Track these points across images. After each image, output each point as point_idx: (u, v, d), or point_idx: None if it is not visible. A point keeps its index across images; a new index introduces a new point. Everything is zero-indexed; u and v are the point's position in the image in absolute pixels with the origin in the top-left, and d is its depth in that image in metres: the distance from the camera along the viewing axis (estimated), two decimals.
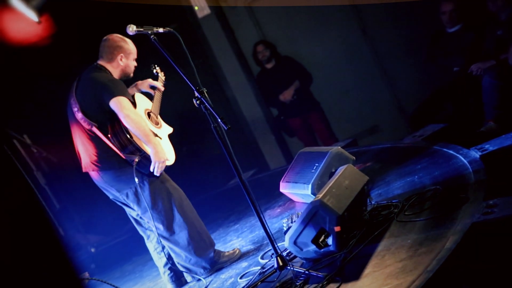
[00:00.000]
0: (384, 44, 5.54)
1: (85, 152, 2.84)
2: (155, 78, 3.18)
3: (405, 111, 5.58)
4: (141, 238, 3.07)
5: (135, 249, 4.06)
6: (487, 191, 2.38)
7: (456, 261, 1.99)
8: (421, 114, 4.75)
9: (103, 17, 4.47)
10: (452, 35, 4.47)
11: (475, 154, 2.88)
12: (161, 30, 2.67)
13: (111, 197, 2.95)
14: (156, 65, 3.21)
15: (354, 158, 3.13)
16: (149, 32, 2.65)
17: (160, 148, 2.76)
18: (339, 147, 3.14)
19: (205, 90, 2.49)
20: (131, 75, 2.98)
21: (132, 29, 2.66)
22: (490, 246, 2.10)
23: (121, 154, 2.75)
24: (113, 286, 2.35)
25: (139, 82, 3.09)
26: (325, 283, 2.20)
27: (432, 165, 3.04)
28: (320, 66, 5.63)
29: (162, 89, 3.11)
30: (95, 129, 2.77)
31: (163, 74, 3.21)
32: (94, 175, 2.86)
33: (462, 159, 2.92)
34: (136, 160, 2.73)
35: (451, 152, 3.11)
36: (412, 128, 4.68)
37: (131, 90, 3.04)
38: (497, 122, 3.99)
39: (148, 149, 2.75)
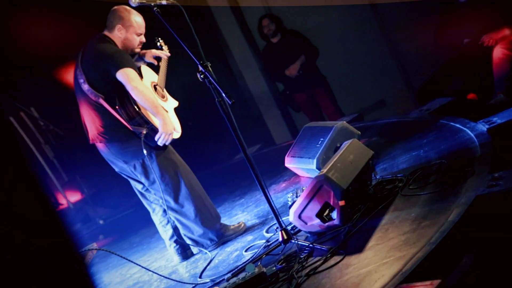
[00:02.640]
0: (392, 16, 5.43)
1: (92, 124, 2.83)
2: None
3: (412, 85, 5.52)
4: (148, 211, 3.11)
5: (142, 222, 4.13)
6: (493, 164, 2.37)
7: (459, 233, 2.00)
8: (429, 87, 4.68)
9: None
10: (464, 4, 4.35)
11: (482, 127, 2.85)
12: (164, 2, 2.63)
13: (117, 169, 2.96)
14: (160, 38, 3.16)
15: (359, 132, 3.12)
16: (152, 4, 2.61)
17: (169, 120, 2.76)
18: (344, 122, 3.13)
19: (209, 64, 2.47)
20: (136, 50, 2.90)
21: (134, 0, 2.62)
22: (495, 218, 2.10)
23: (128, 126, 2.75)
24: (120, 256, 2.40)
25: (142, 51, 3.03)
26: (328, 256, 2.22)
27: (438, 139, 3.03)
28: (327, 39, 5.55)
29: (166, 56, 3.06)
30: (102, 101, 2.75)
31: (167, 48, 3.16)
32: (101, 146, 2.86)
33: (469, 132, 2.90)
34: (144, 132, 2.73)
35: (458, 125, 3.08)
36: (419, 102, 4.63)
37: (136, 62, 3.01)
38: (507, 95, 3.93)
39: (156, 121, 2.74)
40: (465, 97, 4.33)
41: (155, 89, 2.92)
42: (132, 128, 2.74)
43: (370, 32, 5.54)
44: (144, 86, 2.72)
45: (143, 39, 2.90)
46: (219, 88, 2.39)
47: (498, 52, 4.02)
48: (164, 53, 3.05)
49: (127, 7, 2.82)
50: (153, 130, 2.75)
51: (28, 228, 0.83)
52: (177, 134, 2.87)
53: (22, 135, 5.13)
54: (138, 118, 2.73)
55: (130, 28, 2.83)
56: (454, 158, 2.68)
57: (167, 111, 2.87)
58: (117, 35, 2.83)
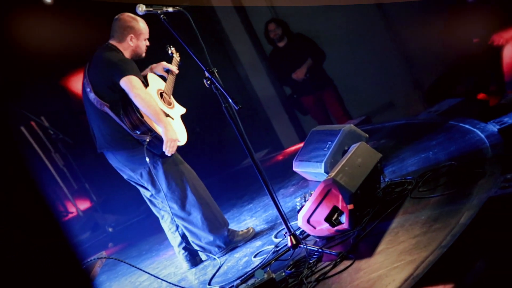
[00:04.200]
0: (399, 17, 5.39)
1: (99, 132, 2.86)
2: (170, 58, 3.14)
3: (421, 87, 5.47)
4: (157, 218, 3.11)
5: (151, 229, 4.13)
6: (505, 165, 2.33)
7: (471, 235, 1.97)
8: (437, 89, 4.65)
9: None
10: (472, 4, 4.32)
11: (493, 128, 2.82)
12: (170, 9, 2.64)
13: (125, 177, 2.98)
14: (171, 46, 3.17)
15: (367, 135, 3.10)
16: (159, 11, 2.62)
17: (171, 127, 2.76)
18: (352, 125, 3.11)
19: (215, 70, 2.47)
20: (143, 55, 2.93)
21: (141, 9, 2.64)
22: (508, 219, 2.07)
23: (132, 134, 2.77)
24: (129, 264, 2.40)
25: (154, 65, 3.07)
26: (338, 260, 2.20)
27: (447, 141, 3.00)
28: (333, 42, 5.54)
29: (176, 72, 3.08)
30: (107, 109, 2.77)
31: (178, 55, 3.17)
32: (109, 155, 2.89)
33: (479, 133, 2.86)
34: (147, 140, 2.74)
35: (467, 126, 3.05)
36: (428, 103, 4.60)
37: (145, 72, 3.03)
38: None
39: (159, 129, 2.75)
40: (475, 98, 4.28)
41: (162, 96, 2.93)
42: (136, 136, 2.75)
43: (377, 34, 5.52)
44: (147, 93, 2.73)
45: (147, 42, 2.93)
46: (226, 94, 2.39)
47: (509, 51, 3.98)
48: (173, 67, 3.05)
49: (132, 15, 2.84)
50: (157, 138, 2.75)
51: (28, 228, 0.84)
52: (181, 142, 2.87)
53: (32, 144, 5.19)
54: (142, 127, 2.74)
55: (141, 36, 2.87)
56: (464, 159, 2.64)
57: (172, 118, 2.88)
58: (129, 44, 2.85)
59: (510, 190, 2.08)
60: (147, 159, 2.74)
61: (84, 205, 5.38)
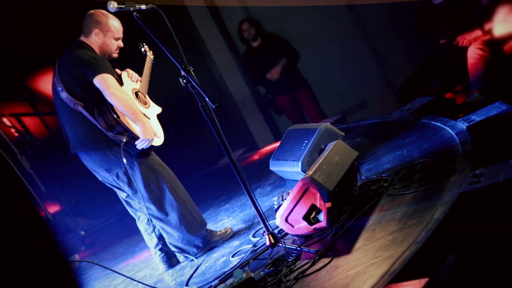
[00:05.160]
0: (371, 19, 5.51)
1: (73, 132, 2.77)
2: (143, 56, 3.08)
3: (393, 86, 5.59)
4: (133, 220, 3.05)
5: (126, 231, 4.06)
6: (475, 161, 2.40)
7: (445, 230, 2.02)
8: (408, 88, 4.76)
9: None
10: (439, 7, 4.45)
11: (462, 125, 2.90)
12: (143, 7, 2.59)
13: (100, 178, 2.90)
14: (144, 44, 3.10)
15: (343, 134, 3.13)
16: (131, 9, 2.57)
17: (149, 126, 2.71)
18: (328, 123, 3.13)
19: (191, 69, 2.44)
20: (114, 55, 2.83)
21: (113, 5, 2.57)
22: (478, 214, 2.13)
23: (108, 135, 2.70)
24: (103, 267, 2.34)
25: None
26: (316, 258, 2.21)
27: (420, 138, 3.06)
28: (307, 42, 5.59)
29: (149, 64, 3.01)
30: (81, 109, 2.69)
31: (151, 53, 3.12)
32: (83, 156, 2.81)
33: (450, 130, 2.95)
34: (124, 140, 2.67)
35: (438, 124, 3.13)
36: (400, 103, 4.70)
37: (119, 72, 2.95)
38: (483, 93, 4.02)
39: (136, 129, 2.69)
40: (444, 97, 4.41)
41: (137, 95, 2.87)
42: (111, 137, 2.68)
43: (350, 35, 5.60)
44: (123, 92, 2.66)
45: (121, 44, 2.84)
46: (202, 93, 2.36)
47: (472, 52, 4.12)
48: (136, 75, 2.96)
49: (104, 11, 2.76)
50: (134, 138, 2.69)
51: (28, 228, 0.81)
52: (158, 140, 2.82)
53: None
54: (118, 127, 2.67)
55: (108, 33, 2.77)
56: (436, 156, 2.71)
57: (149, 118, 2.82)
58: (95, 40, 2.77)
59: (479, 185, 2.14)
60: (124, 160, 2.67)
61: (53, 208, 5.22)
